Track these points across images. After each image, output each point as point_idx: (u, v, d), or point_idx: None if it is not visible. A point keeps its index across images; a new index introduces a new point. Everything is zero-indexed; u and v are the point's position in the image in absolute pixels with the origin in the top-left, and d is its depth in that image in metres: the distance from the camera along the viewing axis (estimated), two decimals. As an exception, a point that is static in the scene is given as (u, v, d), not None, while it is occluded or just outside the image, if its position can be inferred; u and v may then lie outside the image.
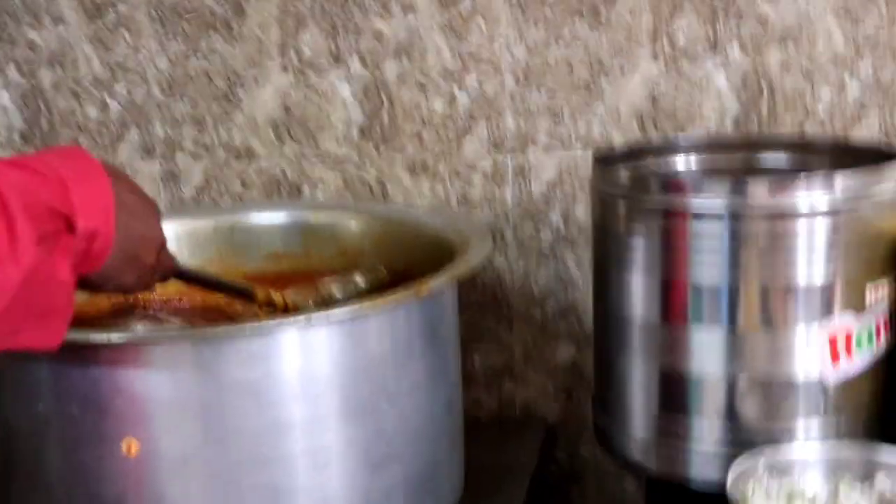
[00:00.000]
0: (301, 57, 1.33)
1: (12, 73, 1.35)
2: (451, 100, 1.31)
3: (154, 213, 0.86)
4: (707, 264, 0.95)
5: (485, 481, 1.10)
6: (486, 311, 1.36)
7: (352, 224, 1.19)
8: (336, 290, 1.06)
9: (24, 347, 0.75)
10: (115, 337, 0.86)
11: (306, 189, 1.36)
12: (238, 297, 1.04)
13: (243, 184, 1.37)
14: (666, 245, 0.96)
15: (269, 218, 1.21)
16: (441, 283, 0.94)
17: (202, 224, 1.21)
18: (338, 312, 0.90)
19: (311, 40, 1.32)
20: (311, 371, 0.90)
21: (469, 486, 1.07)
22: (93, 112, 1.37)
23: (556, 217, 1.32)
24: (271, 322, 0.90)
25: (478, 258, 0.99)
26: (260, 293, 1.02)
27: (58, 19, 1.34)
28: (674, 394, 0.98)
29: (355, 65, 1.32)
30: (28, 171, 0.73)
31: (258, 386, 0.88)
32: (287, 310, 1.01)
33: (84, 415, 0.88)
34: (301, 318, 0.90)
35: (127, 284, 0.85)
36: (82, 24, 1.35)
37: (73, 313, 0.77)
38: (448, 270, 0.95)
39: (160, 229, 0.87)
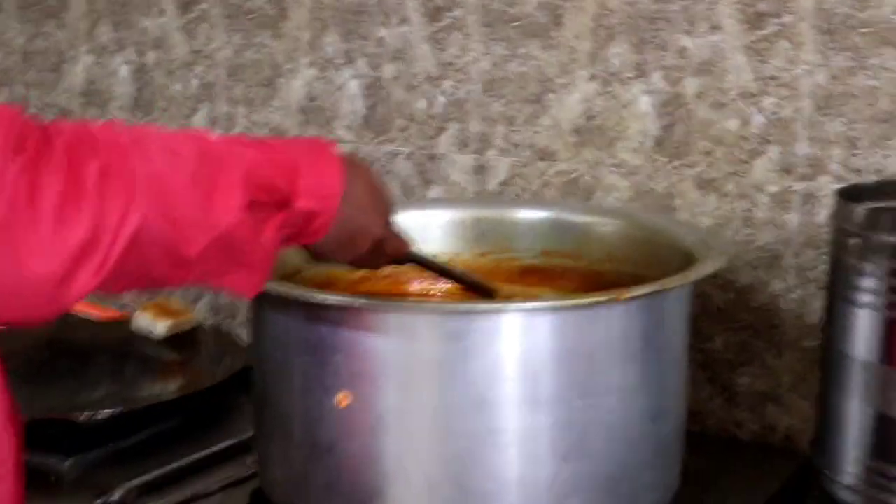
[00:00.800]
0: (607, 68, 1.35)
1: (362, 66, 1.47)
2: (746, 121, 1.28)
3: (379, 210, 0.94)
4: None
5: (715, 499, 1.08)
6: (758, 335, 1.31)
7: (616, 229, 1.19)
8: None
9: (228, 287, 0.86)
10: (331, 299, 0.93)
11: (599, 195, 1.38)
12: (477, 293, 1.12)
13: (544, 184, 1.41)
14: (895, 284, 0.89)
15: (539, 215, 1.24)
16: (645, 292, 0.93)
17: (482, 214, 1.25)
18: (538, 305, 0.92)
19: (619, 53, 1.34)
20: (510, 355, 0.93)
21: (688, 499, 1.04)
22: (422, 104, 1.47)
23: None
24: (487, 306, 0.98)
25: (697, 274, 0.98)
26: (503, 291, 1.09)
27: (403, 20, 1.44)
28: (889, 441, 0.90)
29: (657, 79, 1.32)
30: (267, 152, 0.84)
31: (457, 362, 0.92)
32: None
33: (310, 366, 0.96)
34: (511, 305, 0.96)
35: (342, 261, 0.95)
36: (423, 25, 1.44)
37: (271, 270, 0.87)
38: (658, 282, 0.94)
39: (381, 225, 0.95)
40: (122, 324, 1.60)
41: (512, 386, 0.93)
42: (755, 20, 1.27)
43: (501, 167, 1.45)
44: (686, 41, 1.31)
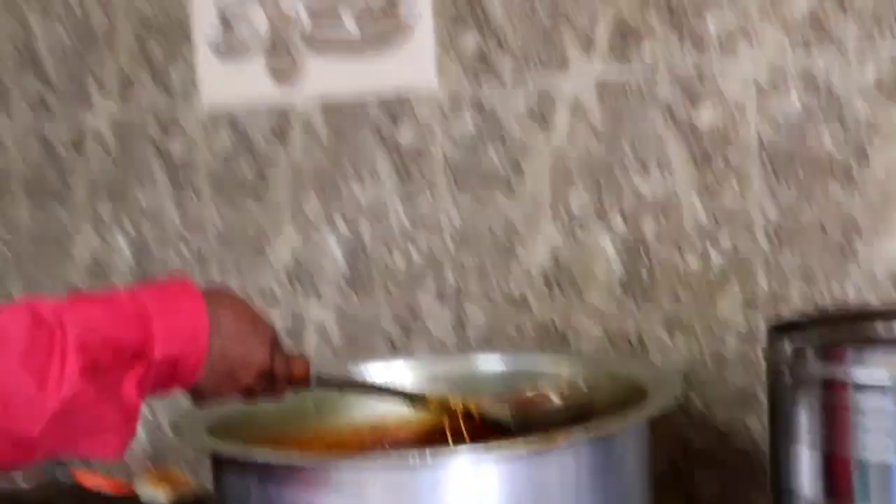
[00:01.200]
0: (570, 213, 1.35)
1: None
2: (706, 258, 1.27)
3: (259, 338, 0.91)
4: (872, 438, 0.84)
5: None
6: (739, 477, 1.27)
7: (568, 371, 1.18)
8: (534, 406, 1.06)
9: (89, 455, 0.85)
10: (271, 458, 0.94)
11: (572, 340, 1.37)
12: (409, 403, 1.08)
13: (519, 332, 1.41)
14: (828, 418, 0.86)
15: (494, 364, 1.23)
16: (577, 437, 0.91)
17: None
18: (480, 448, 0.91)
19: (579, 198, 1.35)
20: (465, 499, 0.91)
21: None
22: (399, 262, 1.48)
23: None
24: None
25: (639, 414, 0.96)
26: (433, 400, 1.06)
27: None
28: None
29: (618, 223, 1.32)
30: (109, 308, 0.83)
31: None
32: (470, 416, 1.05)
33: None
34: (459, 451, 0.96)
35: (226, 397, 0.93)
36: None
37: (134, 427, 0.85)
38: (591, 424, 0.93)
39: (264, 352, 0.92)
40: (133, 498, 1.60)
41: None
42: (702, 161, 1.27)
43: (479, 319, 1.45)
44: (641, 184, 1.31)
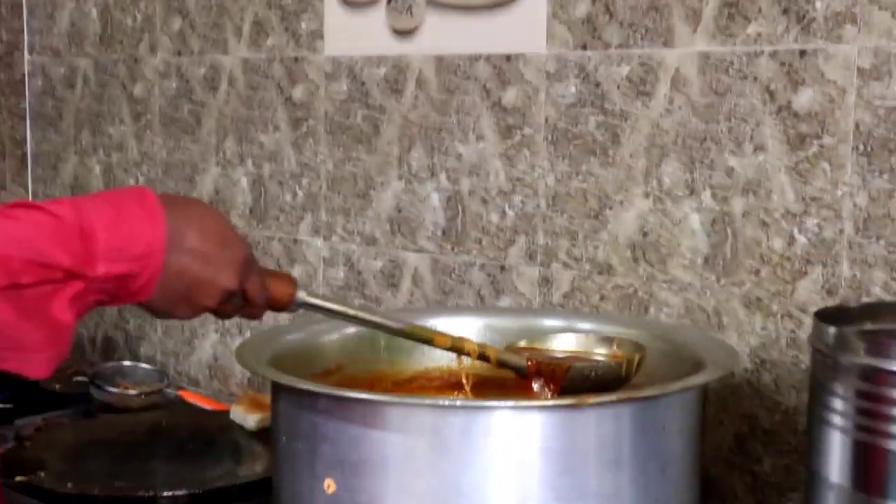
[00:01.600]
0: (661, 185, 1.36)
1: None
2: (791, 241, 1.26)
3: (226, 258, 0.83)
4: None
5: None
6: (804, 460, 1.26)
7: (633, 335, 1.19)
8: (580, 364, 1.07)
9: (14, 371, 0.79)
10: (317, 389, 0.98)
11: (653, 310, 1.37)
12: (414, 340, 1.06)
13: (601, 297, 1.42)
14: (864, 406, 0.86)
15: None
16: (605, 401, 0.93)
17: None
18: (511, 404, 0.93)
19: (671, 170, 1.35)
20: (484, 451, 0.94)
21: None
22: (494, 218, 1.51)
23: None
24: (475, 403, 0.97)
25: (681, 383, 0.97)
26: (438, 338, 1.04)
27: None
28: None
29: (706, 198, 1.32)
30: (40, 222, 0.75)
31: (433, 456, 0.94)
32: (484, 357, 1.03)
33: (303, 452, 1.01)
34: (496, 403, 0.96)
35: (183, 317, 0.85)
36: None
37: (66, 345, 0.79)
38: (627, 390, 0.94)
39: (232, 274, 0.83)
40: (225, 414, 1.68)
41: (485, 482, 0.94)
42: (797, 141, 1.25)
43: (564, 280, 1.47)
44: (733, 161, 1.30)
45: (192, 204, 0.84)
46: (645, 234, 1.38)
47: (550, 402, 0.97)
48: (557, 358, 1.08)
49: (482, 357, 1.03)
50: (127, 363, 1.90)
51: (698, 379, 0.99)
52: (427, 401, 0.97)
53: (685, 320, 1.35)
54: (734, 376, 1.29)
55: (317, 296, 0.96)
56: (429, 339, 1.04)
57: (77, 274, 0.76)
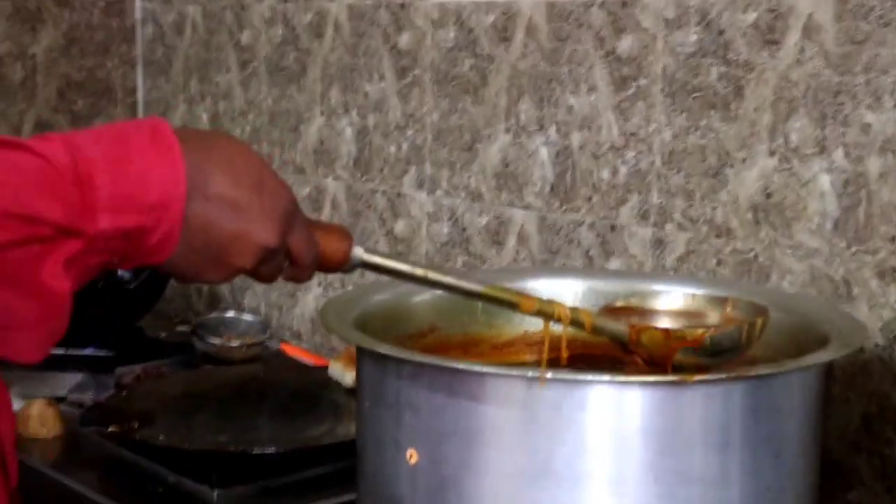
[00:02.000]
0: (788, 142, 1.25)
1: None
2: (932, 206, 1.14)
3: (265, 206, 0.66)
4: None
5: None
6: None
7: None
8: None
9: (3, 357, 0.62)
10: (401, 355, 0.91)
11: (774, 277, 1.27)
12: (500, 304, 0.92)
13: (718, 262, 1.32)
14: None
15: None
16: (714, 379, 0.84)
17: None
18: (608, 379, 0.85)
19: (800, 126, 1.23)
20: (578, 428, 0.87)
21: None
22: (605, 175, 1.42)
23: None
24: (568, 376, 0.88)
25: (807, 361, 0.87)
26: (524, 302, 0.91)
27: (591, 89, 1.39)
28: None
29: (839, 157, 1.20)
30: (25, 161, 0.59)
31: (524, 430, 0.87)
32: (578, 324, 0.91)
33: (385, 420, 0.94)
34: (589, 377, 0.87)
35: (214, 280, 0.69)
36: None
37: (63, 318, 0.62)
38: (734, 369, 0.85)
39: (268, 227, 0.67)
40: (324, 370, 1.64)
41: (578, 461, 0.86)
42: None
43: (679, 242, 1.37)
44: (870, 117, 1.18)
45: (217, 139, 0.66)
46: (768, 195, 1.27)
47: (651, 379, 0.88)
48: (662, 325, 0.98)
49: (575, 323, 0.93)
50: (230, 314, 1.88)
51: (822, 356, 0.89)
52: (514, 371, 0.89)
53: (810, 290, 1.23)
54: (863, 352, 1.17)
55: (376, 252, 0.80)
56: (513, 303, 0.89)
57: (72, 230, 0.60)
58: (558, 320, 0.93)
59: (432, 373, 0.90)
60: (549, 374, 0.84)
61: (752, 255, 1.30)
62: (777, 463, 0.90)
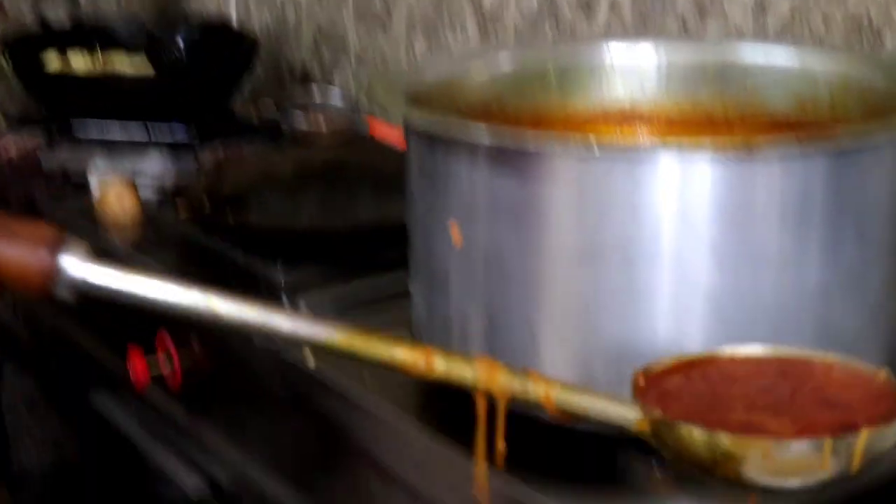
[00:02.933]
0: None
1: None
2: None
3: None
4: None
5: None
6: None
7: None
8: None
9: None
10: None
11: (888, 37, 1.12)
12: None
13: (825, 22, 1.18)
14: None
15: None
16: (789, 146, 0.73)
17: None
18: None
19: None
20: (632, 202, 0.78)
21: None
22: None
23: None
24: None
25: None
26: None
27: None
28: None
29: None
30: None
31: (572, 207, 0.79)
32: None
33: (428, 195, 0.88)
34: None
35: None
36: None
37: None
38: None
39: None
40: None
41: (630, 238, 0.78)
42: None
43: (783, 4, 1.22)
44: None
45: None
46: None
47: (714, 146, 0.77)
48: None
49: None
50: (319, 98, 1.82)
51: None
52: (557, 141, 0.80)
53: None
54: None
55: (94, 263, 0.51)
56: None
57: None
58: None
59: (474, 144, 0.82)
60: (597, 144, 0.74)
61: (863, 13, 1.15)
62: (862, 242, 0.81)
